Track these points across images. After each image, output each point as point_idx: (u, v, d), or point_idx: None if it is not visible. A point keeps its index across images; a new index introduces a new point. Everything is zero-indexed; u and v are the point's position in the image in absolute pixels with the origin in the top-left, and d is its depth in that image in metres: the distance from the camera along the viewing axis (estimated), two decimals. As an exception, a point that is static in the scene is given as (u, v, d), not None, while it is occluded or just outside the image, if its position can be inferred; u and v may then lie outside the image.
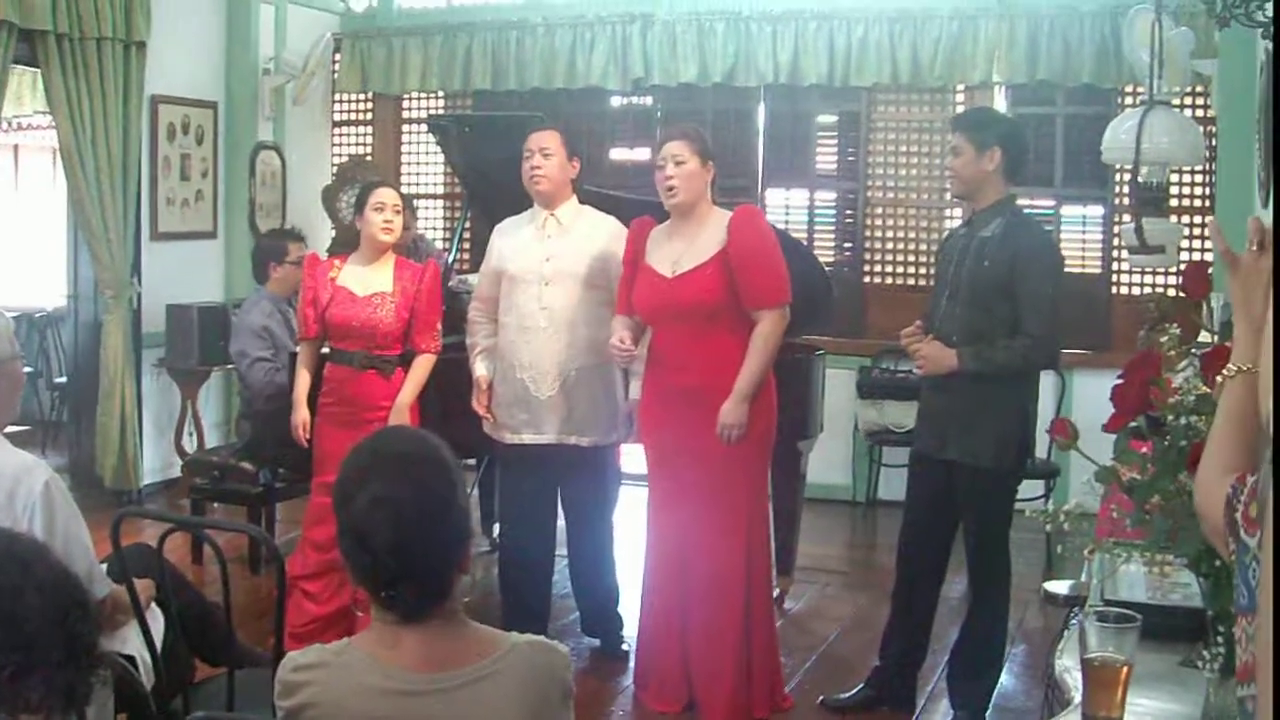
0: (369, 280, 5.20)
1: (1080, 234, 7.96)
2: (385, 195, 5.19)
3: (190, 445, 7.97)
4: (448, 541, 2.10)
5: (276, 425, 5.59)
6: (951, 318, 4.48)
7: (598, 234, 5.06)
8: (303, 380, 5.30)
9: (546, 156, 4.99)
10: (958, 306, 4.46)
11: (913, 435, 4.84)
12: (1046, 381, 5.75)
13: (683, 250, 4.66)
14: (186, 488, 6.89)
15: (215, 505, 6.79)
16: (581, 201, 5.17)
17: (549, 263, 5.01)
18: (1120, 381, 2.46)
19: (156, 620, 3.44)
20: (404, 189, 8.81)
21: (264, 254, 6.65)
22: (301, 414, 5.26)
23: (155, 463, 7.98)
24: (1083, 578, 3.08)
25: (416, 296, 5.19)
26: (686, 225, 4.69)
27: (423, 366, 5.21)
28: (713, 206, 4.72)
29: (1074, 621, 2.73)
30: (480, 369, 5.15)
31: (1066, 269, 5.53)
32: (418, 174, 9.40)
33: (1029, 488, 5.66)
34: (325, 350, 5.29)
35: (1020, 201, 4.92)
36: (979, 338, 4.39)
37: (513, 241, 5.11)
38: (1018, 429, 4.45)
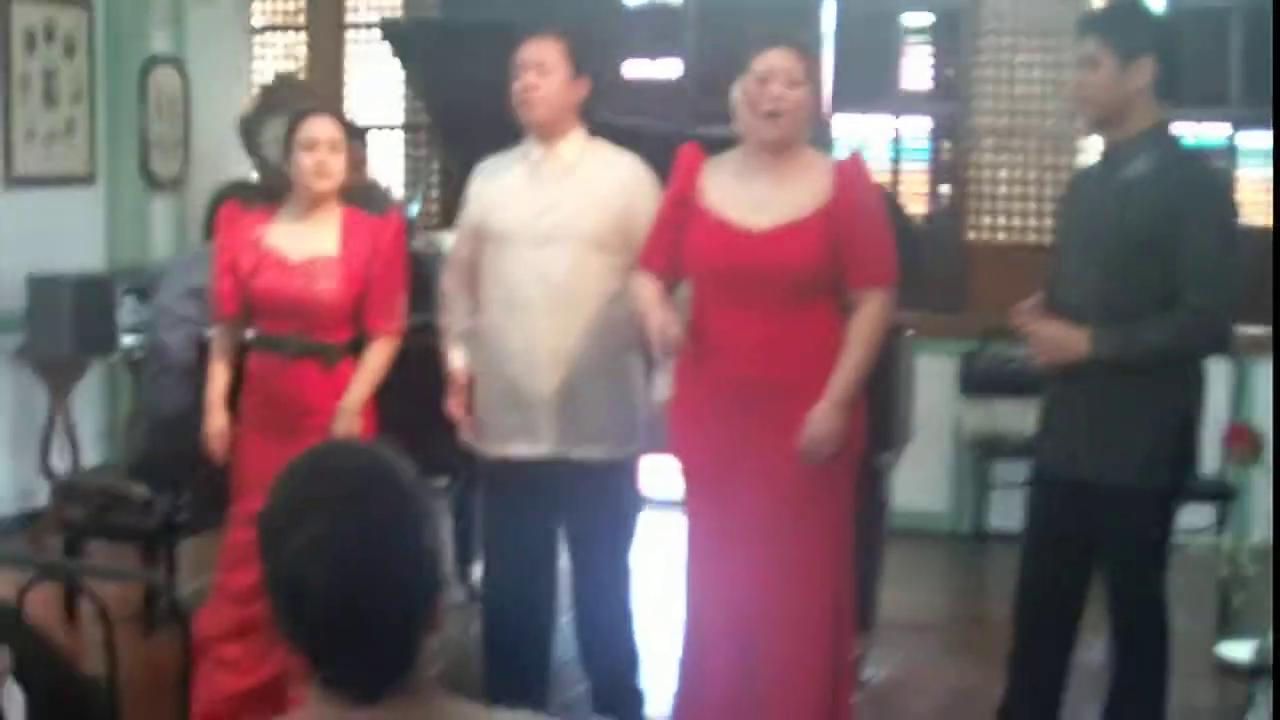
0: (306, 240, 5.20)
1: (1264, 171, 7.93)
2: (318, 128, 5.20)
3: (62, 463, 7.99)
4: (410, 594, 2.09)
5: (183, 432, 5.60)
6: (1083, 287, 4.48)
7: (613, 177, 5.06)
8: (219, 375, 5.31)
9: (544, 73, 4.98)
10: (1092, 271, 4.46)
11: (1033, 445, 4.83)
12: (1216, 371, 5.73)
13: (769, 197, 4.66)
14: (57, 521, 6.90)
15: (96, 544, 6.80)
16: (591, 133, 5.17)
17: (547, 216, 5.01)
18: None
19: (14, 703, 3.45)
20: (350, 117, 8.82)
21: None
22: (217, 420, 5.26)
23: (11, 488, 8.02)
24: (1270, 637, 3.08)
25: (371, 260, 5.19)
26: (776, 165, 4.68)
27: (380, 355, 5.21)
28: (808, 146, 4.75)
29: (1259, 698, 2.74)
30: (456, 358, 5.17)
31: (1243, 219, 5.52)
32: (368, 98, 9.41)
33: (1193, 515, 5.66)
34: (249, 335, 5.31)
35: (1180, 127, 4.90)
36: (1121, 314, 4.39)
37: (499, 187, 5.11)
38: (1175, 436, 4.45)
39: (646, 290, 4.77)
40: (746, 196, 4.69)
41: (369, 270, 5.18)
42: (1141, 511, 4.46)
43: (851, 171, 4.71)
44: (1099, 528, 4.51)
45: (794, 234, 4.60)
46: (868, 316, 4.62)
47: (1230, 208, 4.60)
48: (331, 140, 5.19)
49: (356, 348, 5.20)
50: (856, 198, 4.65)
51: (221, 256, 5.28)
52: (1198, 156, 4.97)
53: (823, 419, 4.56)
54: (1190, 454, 4.52)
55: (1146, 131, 4.45)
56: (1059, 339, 4.46)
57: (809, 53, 4.69)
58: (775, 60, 4.60)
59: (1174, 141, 4.60)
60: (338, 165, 5.20)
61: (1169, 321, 4.34)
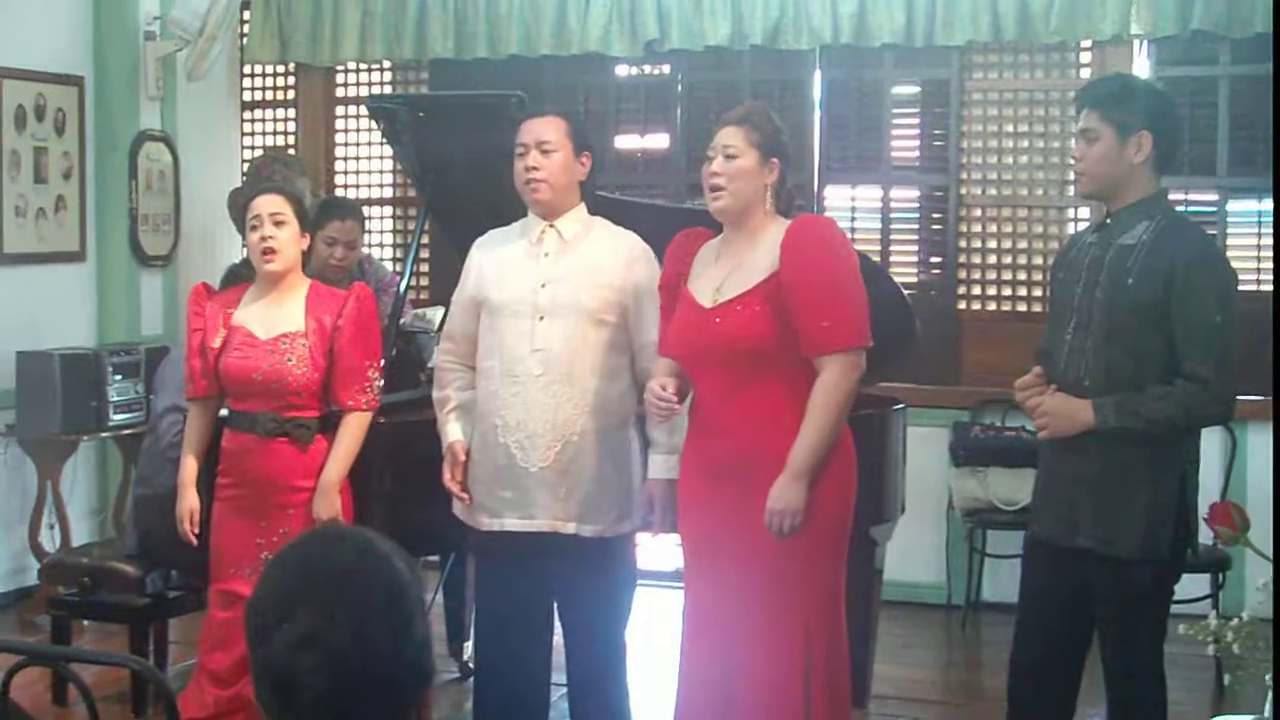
0: (273, 318, 5.21)
1: (1254, 238, 7.91)
2: (262, 205, 5.22)
3: (51, 542, 7.95)
4: (399, 686, 2.06)
5: (168, 510, 5.56)
6: (1081, 356, 4.46)
7: (612, 253, 5.07)
8: (191, 455, 5.33)
9: (547, 153, 4.99)
10: (1089, 340, 4.44)
11: (1028, 515, 4.80)
12: (1210, 439, 5.70)
13: (728, 273, 4.67)
14: (45, 601, 6.85)
15: (85, 624, 6.73)
16: (591, 211, 5.16)
17: (545, 290, 5.00)
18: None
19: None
20: (341, 192, 8.83)
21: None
22: (188, 500, 5.27)
23: (1, 567, 7.96)
24: (1266, 713, 3.05)
25: (336, 334, 5.19)
26: (737, 240, 4.71)
27: (353, 431, 5.21)
28: (773, 217, 4.72)
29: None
30: (453, 432, 5.14)
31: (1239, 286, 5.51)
32: (357, 172, 9.42)
33: (1191, 584, 5.61)
34: (223, 413, 5.30)
35: (1171, 196, 4.88)
36: (1122, 380, 4.36)
37: (499, 260, 5.11)
38: (1174, 506, 4.39)
39: (659, 367, 4.82)
40: (712, 275, 4.71)
41: (335, 344, 5.17)
42: (1141, 581, 4.41)
43: (797, 236, 4.63)
44: (1096, 597, 4.47)
45: (737, 309, 4.59)
46: (823, 384, 4.54)
47: (1228, 276, 4.53)
48: (274, 215, 5.18)
49: (330, 425, 5.19)
50: (802, 262, 4.57)
51: (191, 337, 5.29)
52: (1195, 226, 4.95)
53: (780, 492, 4.52)
54: (1190, 523, 4.45)
55: (1144, 200, 4.44)
56: (1063, 411, 4.43)
57: (757, 125, 4.67)
58: (719, 138, 4.69)
59: (1171, 210, 4.60)
60: (285, 239, 5.20)
61: (1175, 393, 4.29)
